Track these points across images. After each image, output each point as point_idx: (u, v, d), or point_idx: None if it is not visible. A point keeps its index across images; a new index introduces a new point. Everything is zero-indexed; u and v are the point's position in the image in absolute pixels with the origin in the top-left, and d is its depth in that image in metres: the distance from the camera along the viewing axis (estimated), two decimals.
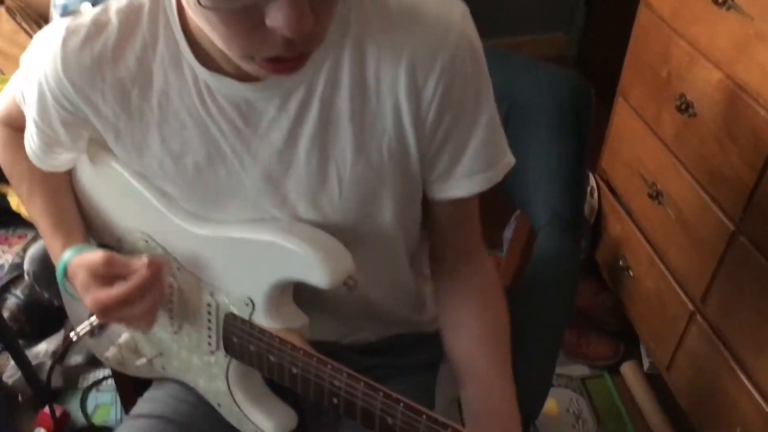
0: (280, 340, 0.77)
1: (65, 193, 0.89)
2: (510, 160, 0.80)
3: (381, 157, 0.74)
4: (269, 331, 0.78)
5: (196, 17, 0.63)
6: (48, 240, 0.87)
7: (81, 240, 0.86)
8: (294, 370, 0.77)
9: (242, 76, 0.70)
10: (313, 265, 0.74)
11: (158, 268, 0.77)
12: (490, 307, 0.85)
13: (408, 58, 0.70)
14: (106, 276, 0.78)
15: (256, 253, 0.77)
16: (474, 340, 0.83)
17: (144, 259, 0.76)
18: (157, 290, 0.78)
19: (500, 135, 0.78)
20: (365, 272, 0.80)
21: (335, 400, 0.74)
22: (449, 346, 0.85)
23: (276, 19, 0.56)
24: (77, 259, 0.81)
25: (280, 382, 0.80)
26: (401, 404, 0.69)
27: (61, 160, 0.86)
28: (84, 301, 0.79)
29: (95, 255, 0.79)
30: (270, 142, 0.74)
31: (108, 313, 0.78)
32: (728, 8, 1.20)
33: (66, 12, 1.55)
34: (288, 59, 0.62)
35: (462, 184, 0.78)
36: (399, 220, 0.81)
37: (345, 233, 0.77)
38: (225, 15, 0.58)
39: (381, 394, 0.70)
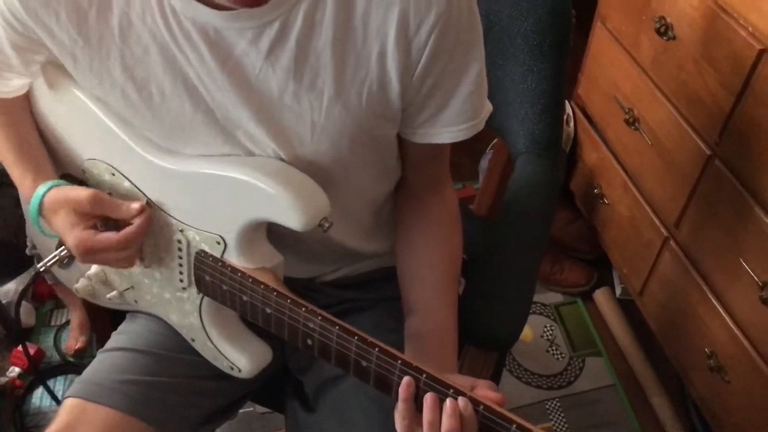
0: (254, 280, 0.75)
1: (27, 126, 0.85)
2: (489, 107, 0.79)
3: (359, 102, 0.71)
4: (242, 270, 0.76)
5: None
6: (15, 173, 0.83)
7: (52, 175, 0.83)
8: (268, 311, 0.75)
9: (212, 2, 0.65)
10: (287, 207, 0.71)
11: (149, 217, 0.76)
12: (446, 239, 0.86)
13: (401, 1, 0.66)
14: (91, 215, 0.76)
15: (227, 191, 0.74)
16: (425, 265, 0.84)
17: (135, 205, 0.75)
18: (140, 237, 0.77)
19: (485, 85, 0.76)
20: (339, 216, 0.78)
21: (309, 342, 0.73)
22: (400, 271, 0.86)
23: None
24: (55, 195, 0.78)
25: (254, 322, 0.79)
26: (376, 349, 0.68)
27: (11, 86, 0.81)
28: (65, 240, 0.77)
29: (79, 192, 0.76)
30: (240, 76, 0.69)
31: (89, 256, 0.77)
32: None
33: None
34: None
35: (445, 131, 0.76)
36: (374, 165, 0.79)
37: (317, 176, 0.75)
38: None
39: (356, 338, 0.69)
